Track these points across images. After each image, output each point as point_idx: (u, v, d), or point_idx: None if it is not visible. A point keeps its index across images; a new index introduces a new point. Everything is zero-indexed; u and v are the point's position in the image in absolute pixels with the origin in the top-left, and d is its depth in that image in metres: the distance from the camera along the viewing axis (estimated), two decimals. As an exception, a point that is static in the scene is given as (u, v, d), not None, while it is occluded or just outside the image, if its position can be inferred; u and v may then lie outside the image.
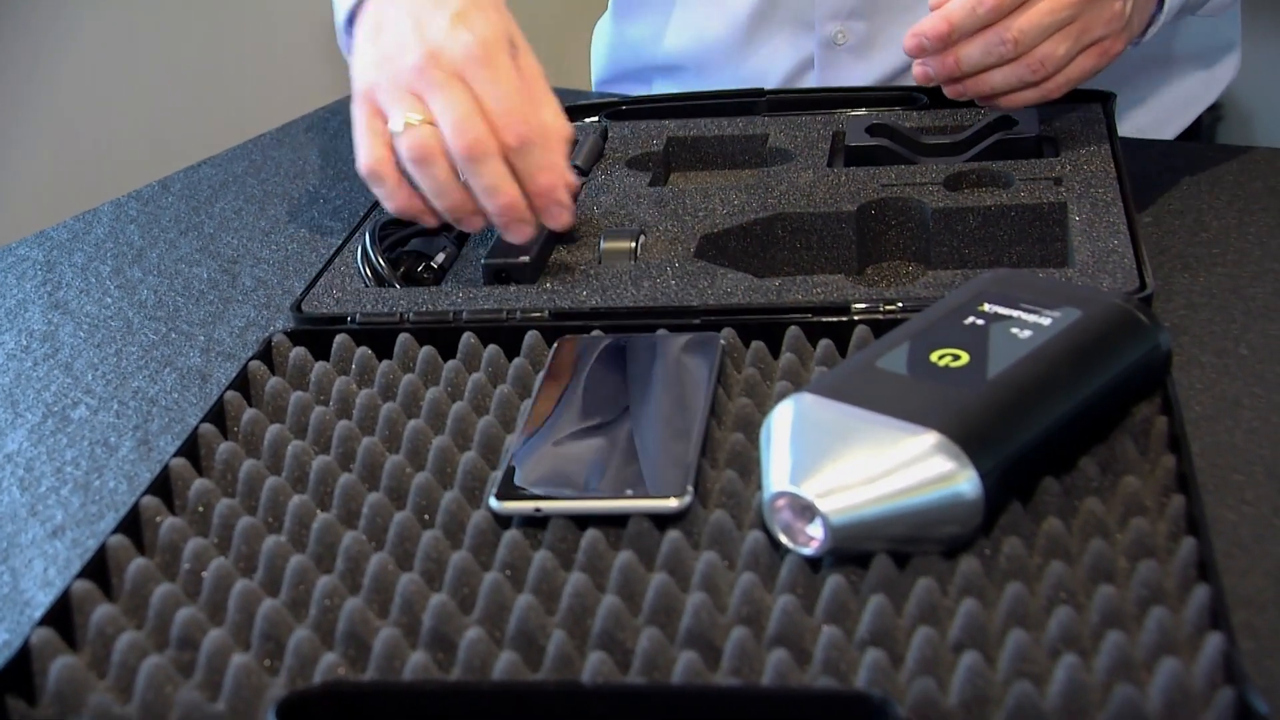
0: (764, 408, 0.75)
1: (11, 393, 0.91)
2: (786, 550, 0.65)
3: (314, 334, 0.86)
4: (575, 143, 0.90)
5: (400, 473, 0.73)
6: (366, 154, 0.87)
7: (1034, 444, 0.66)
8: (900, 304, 0.82)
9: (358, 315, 0.87)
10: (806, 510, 0.64)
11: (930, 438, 0.64)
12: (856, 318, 0.82)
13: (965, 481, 0.63)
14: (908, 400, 0.66)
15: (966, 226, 0.94)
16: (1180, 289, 0.91)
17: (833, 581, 0.63)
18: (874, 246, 0.96)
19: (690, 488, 0.68)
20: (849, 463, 0.64)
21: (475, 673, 0.60)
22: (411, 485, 0.71)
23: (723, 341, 0.80)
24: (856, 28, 1.18)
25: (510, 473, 0.70)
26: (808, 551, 0.64)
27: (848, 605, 0.62)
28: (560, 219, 0.87)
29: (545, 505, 0.68)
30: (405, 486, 0.72)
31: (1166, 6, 1.02)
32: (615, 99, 1.17)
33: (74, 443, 0.85)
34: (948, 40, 0.94)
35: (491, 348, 0.83)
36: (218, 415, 0.78)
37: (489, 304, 0.87)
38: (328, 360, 0.84)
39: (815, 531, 0.64)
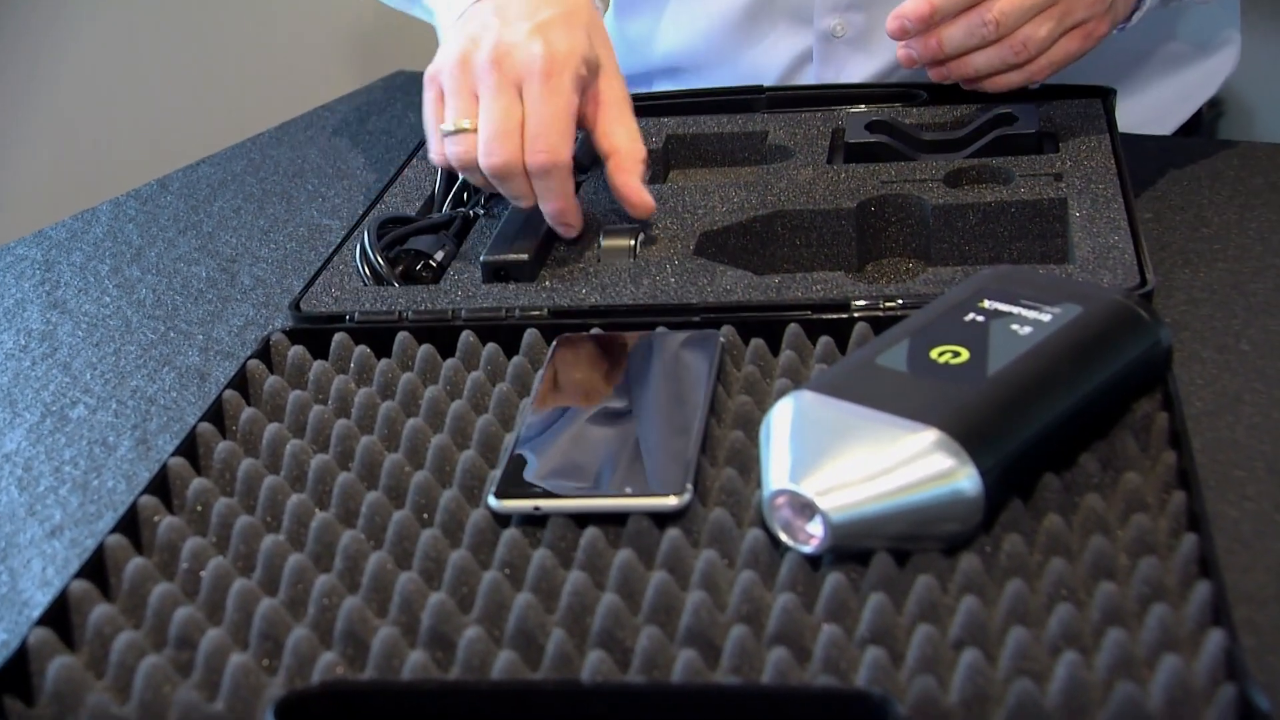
0: (763, 405, 0.75)
1: (10, 392, 0.90)
2: (786, 548, 0.65)
3: (313, 333, 0.85)
4: (648, 165, 0.94)
5: (399, 471, 0.73)
6: (431, 148, 0.93)
7: (1034, 440, 0.66)
8: (900, 301, 0.82)
9: (356, 314, 0.87)
10: (806, 508, 0.64)
11: (930, 435, 0.63)
12: (856, 315, 0.82)
13: (965, 478, 0.63)
14: (908, 397, 0.66)
15: (967, 223, 0.93)
16: (1181, 284, 0.91)
17: (833, 579, 0.63)
18: (874, 243, 0.96)
19: (690, 486, 0.68)
20: (849, 460, 0.64)
21: (474, 672, 0.60)
22: (410, 484, 0.71)
23: (722, 339, 0.80)
24: (855, 20, 1.18)
25: (509, 471, 0.70)
26: (807, 549, 0.64)
27: (848, 603, 0.62)
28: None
29: (544, 504, 0.68)
30: (404, 485, 0.72)
31: None
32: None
33: (72, 442, 0.85)
34: (930, 22, 0.96)
35: (490, 346, 0.83)
36: (216, 414, 0.78)
37: (488, 302, 0.87)
38: (326, 359, 0.83)
39: (815, 529, 0.64)
